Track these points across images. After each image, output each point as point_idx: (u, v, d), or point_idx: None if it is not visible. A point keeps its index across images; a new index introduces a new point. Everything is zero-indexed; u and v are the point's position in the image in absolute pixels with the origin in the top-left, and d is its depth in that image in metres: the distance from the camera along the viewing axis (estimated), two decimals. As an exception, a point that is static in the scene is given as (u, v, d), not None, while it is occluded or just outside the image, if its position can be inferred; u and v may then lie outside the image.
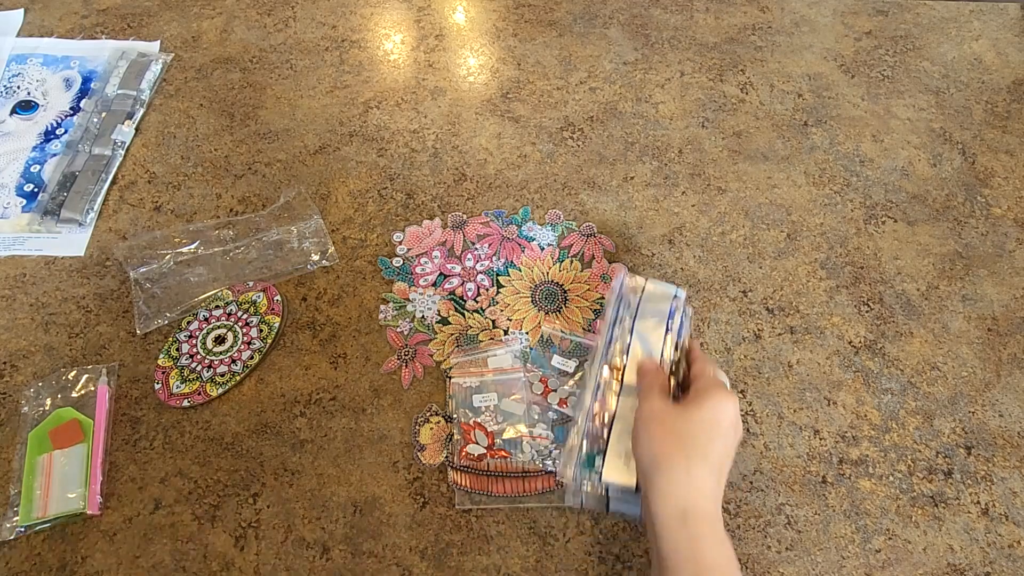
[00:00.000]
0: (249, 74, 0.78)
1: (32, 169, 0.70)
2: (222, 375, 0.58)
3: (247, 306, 0.61)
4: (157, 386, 0.57)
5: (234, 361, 0.58)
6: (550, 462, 0.54)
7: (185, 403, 0.56)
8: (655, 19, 0.83)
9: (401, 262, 0.64)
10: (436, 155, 0.71)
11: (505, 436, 0.55)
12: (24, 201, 0.68)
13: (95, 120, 0.72)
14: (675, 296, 0.50)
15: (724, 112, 0.75)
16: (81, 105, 0.74)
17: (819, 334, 0.61)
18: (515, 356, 0.59)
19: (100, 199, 0.68)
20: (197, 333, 0.60)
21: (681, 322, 0.49)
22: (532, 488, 0.53)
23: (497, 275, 0.64)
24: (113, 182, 0.69)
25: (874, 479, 0.55)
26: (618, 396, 0.46)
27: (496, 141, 0.73)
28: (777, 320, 0.62)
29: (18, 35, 0.80)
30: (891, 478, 0.55)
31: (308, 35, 0.81)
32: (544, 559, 0.51)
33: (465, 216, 0.67)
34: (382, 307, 0.62)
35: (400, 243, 0.65)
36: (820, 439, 0.56)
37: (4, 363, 0.59)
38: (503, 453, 0.54)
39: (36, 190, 0.68)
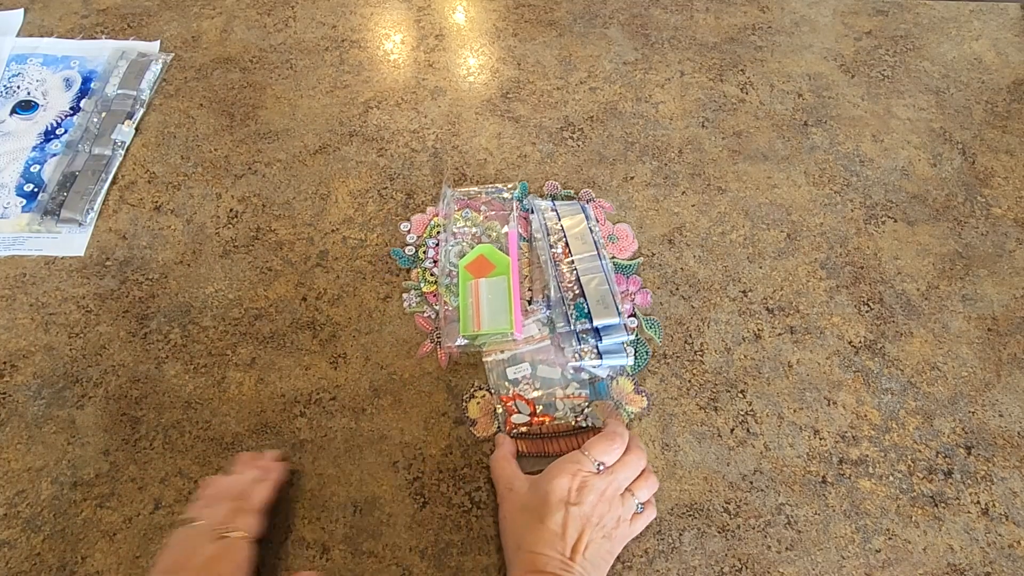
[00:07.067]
0: (249, 74, 0.77)
1: (32, 169, 0.70)
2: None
3: (457, 220, 0.65)
4: (436, 308, 0.61)
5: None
6: (582, 419, 0.57)
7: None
8: (655, 19, 0.83)
9: (413, 250, 0.65)
10: (436, 155, 0.71)
11: (545, 401, 0.58)
12: (24, 201, 0.68)
13: (95, 120, 0.72)
14: (578, 201, 0.68)
15: (724, 112, 0.75)
16: (81, 105, 0.74)
17: (819, 334, 0.61)
18: (541, 324, 0.60)
19: (100, 199, 0.68)
20: (437, 257, 0.64)
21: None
22: (584, 442, 0.53)
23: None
24: (113, 182, 0.69)
25: (874, 479, 0.55)
26: (573, 264, 0.62)
27: (496, 141, 0.73)
28: (777, 320, 0.62)
29: (18, 35, 0.80)
30: (891, 478, 0.55)
31: (308, 35, 0.81)
32: (544, 559, 0.51)
33: (467, 198, 0.68)
34: (405, 296, 0.63)
35: (408, 232, 0.66)
36: (820, 439, 0.56)
37: (4, 363, 0.59)
38: (547, 417, 0.56)
39: (36, 190, 0.68)
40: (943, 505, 0.54)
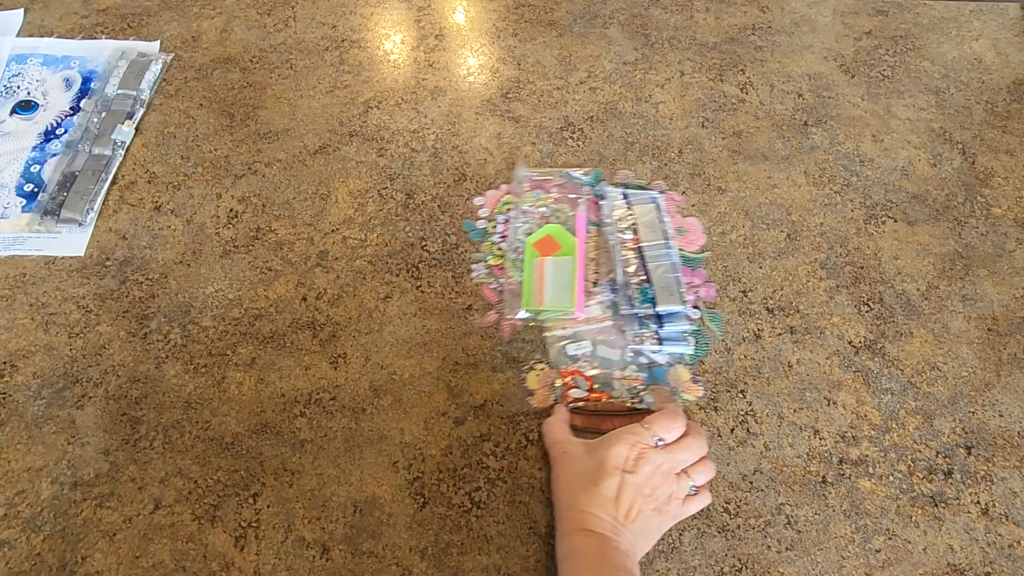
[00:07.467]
0: (249, 74, 0.78)
1: (32, 169, 0.70)
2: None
3: (527, 199, 0.67)
4: (501, 281, 0.63)
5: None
6: (637, 401, 0.58)
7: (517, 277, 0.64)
8: (655, 19, 0.83)
9: (485, 223, 0.67)
10: (436, 155, 0.71)
11: (603, 380, 0.58)
12: (24, 201, 0.68)
13: (95, 120, 0.72)
14: (650, 191, 0.68)
15: (724, 112, 0.75)
16: (81, 105, 0.74)
17: (819, 334, 0.61)
18: (605, 307, 0.61)
19: (100, 199, 0.68)
20: (506, 233, 0.65)
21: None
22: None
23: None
24: (113, 182, 0.69)
25: (874, 479, 0.55)
26: (640, 251, 0.63)
27: (496, 141, 0.73)
28: (777, 320, 0.62)
29: (18, 35, 0.80)
30: (891, 478, 0.55)
31: (308, 35, 0.81)
32: (544, 559, 0.51)
33: (539, 179, 0.69)
34: (474, 267, 0.64)
35: (482, 207, 0.68)
36: (820, 439, 0.56)
37: (4, 363, 0.59)
38: (604, 395, 0.57)
39: (36, 190, 0.68)
40: (943, 505, 0.54)
